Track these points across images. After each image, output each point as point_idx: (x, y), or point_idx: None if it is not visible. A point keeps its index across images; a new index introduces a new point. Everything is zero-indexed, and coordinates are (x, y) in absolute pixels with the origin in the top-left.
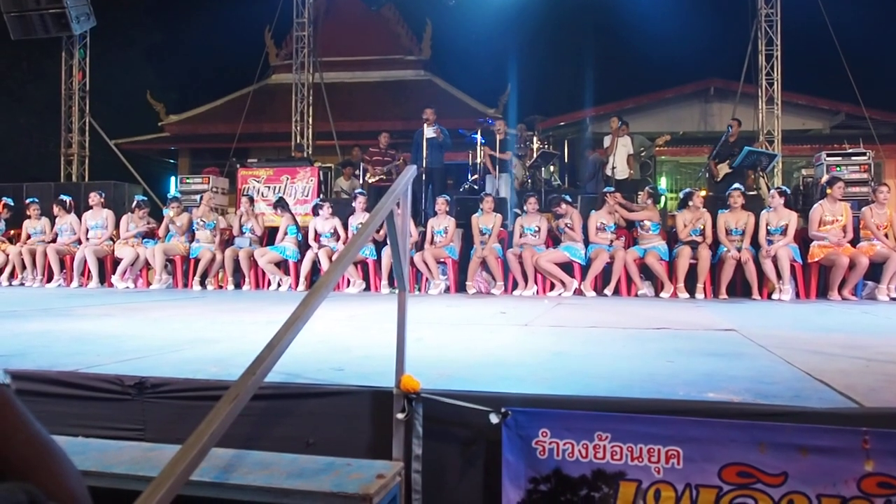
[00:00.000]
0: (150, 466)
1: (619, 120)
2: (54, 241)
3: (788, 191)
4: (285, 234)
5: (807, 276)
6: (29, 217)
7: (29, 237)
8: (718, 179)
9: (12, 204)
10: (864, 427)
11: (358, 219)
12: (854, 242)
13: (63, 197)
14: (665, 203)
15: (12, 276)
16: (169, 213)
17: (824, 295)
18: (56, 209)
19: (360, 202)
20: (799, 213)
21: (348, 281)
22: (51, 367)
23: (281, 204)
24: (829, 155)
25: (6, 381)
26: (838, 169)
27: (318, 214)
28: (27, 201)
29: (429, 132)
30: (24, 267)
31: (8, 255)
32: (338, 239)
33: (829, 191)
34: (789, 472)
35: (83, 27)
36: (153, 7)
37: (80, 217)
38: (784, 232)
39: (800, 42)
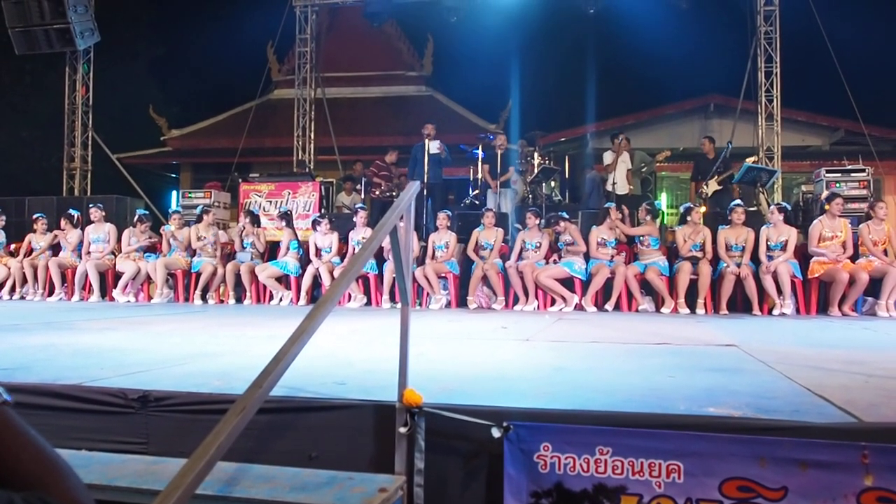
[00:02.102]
0: (154, 480)
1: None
2: (57, 254)
3: (788, 207)
4: (287, 249)
5: (807, 291)
6: (35, 231)
7: (31, 251)
8: (709, 196)
9: None
10: (864, 442)
11: (359, 234)
12: (854, 258)
13: (72, 211)
14: (664, 218)
15: (13, 289)
16: (170, 227)
17: (824, 311)
18: (63, 223)
19: (360, 217)
20: (799, 229)
21: (349, 295)
22: (54, 381)
23: (286, 217)
24: (828, 171)
25: (8, 399)
26: (838, 185)
27: (316, 230)
28: (35, 216)
29: (433, 148)
30: (25, 281)
31: (9, 269)
32: (338, 253)
33: (827, 207)
34: (789, 487)
35: (87, 42)
36: (156, 23)
37: (82, 231)
38: (784, 248)
39: (799, 59)
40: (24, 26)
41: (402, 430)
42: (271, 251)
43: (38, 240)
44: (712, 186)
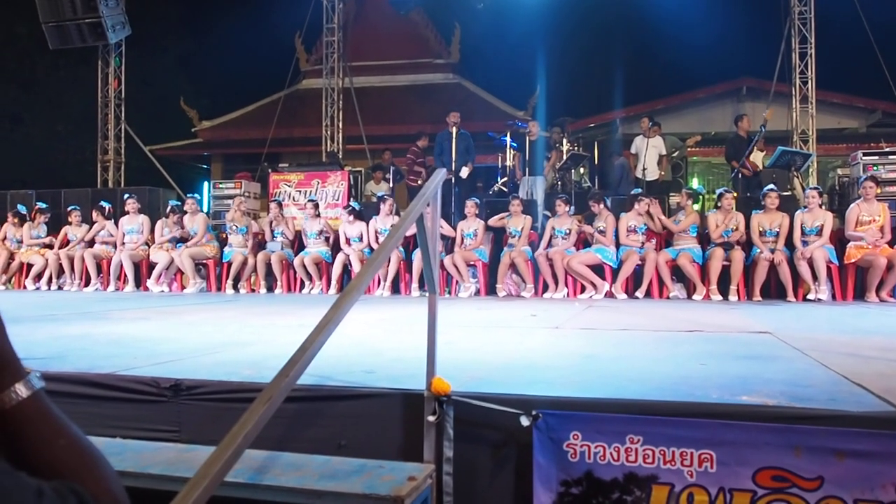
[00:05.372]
0: (186, 467)
1: (650, 120)
2: (92, 245)
3: (822, 191)
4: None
5: (843, 277)
6: (70, 223)
7: (68, 242)
8: (760, 168)
9: (45, 206)
10: None
11: (381, 222)
12: (892, 243)
13: (103, 203)
14: (703, 203)
15: (50, 280)
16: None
17: (861, 297)
18: (95, 215)
19: (386, 205)
20: (834, 214)
21: (379, 283)
22: (89, 370)
23: (313, 203)
24: (865, 154)
25: (42, 385)
26: (875, 168)
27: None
28: (69, 209)
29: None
30: (61, 271)
31: (47, 260)
32: (369, 243)
33: (860, 190)
34: (825, 477)
35: (118, 36)
36: (186, 15)
37: (116, 222)
38: (819, 233)
39: (834, 39)
40: (57, 21)
41: (431, 418)
42: (300, 240)
43: (74, 231)
44: (759, 157)
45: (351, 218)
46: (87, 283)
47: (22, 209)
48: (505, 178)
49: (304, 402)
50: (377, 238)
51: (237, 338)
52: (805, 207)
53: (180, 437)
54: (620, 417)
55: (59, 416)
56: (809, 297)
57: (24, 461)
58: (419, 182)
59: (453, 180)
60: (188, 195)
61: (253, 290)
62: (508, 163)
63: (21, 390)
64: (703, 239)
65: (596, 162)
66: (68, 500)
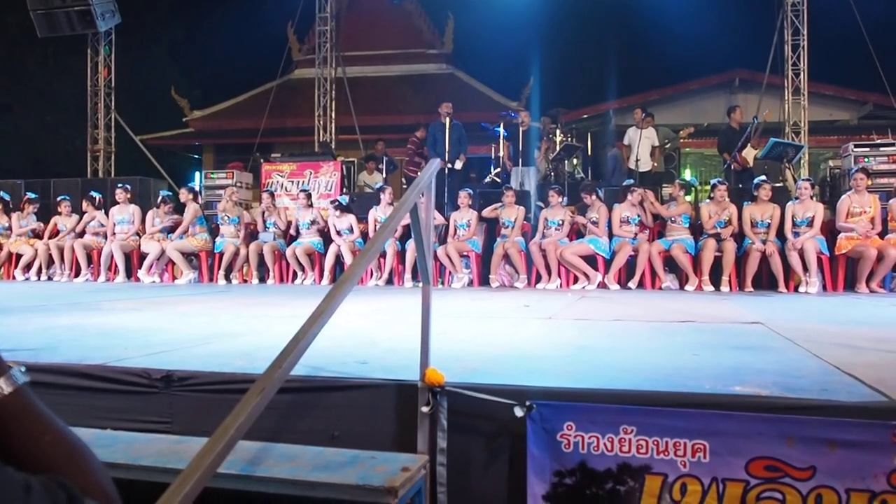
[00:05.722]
0: (178, 459)
1: (643, 111)
2: (82, 235)
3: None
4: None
5: (834, 268)
6: (60, 213)
7: (58, 232)
8: (750, 165)
9: (35, 196)
10: (894, 421)
11: (382, 211)
12: (882, 234)
13: (94, 193)
14: (696, 195)
15: (40, 271)
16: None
17: (852, 287)
18: (85, 204)
19: (386, 194)
20: (826, 205)
21: (371, 273)
22: (79, 361)
23: (305, 193)
24: (856, 146)
25: (25, 380)
26: (866, 160)
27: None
28: (58, 199)
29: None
30: (51, 262)
31: (36, 250)
32: (360, 234)
33: (851, 182)
34: (818, 466)
35: (108, 24)
36: (177, 3)
37: (107, 212)
38: (811, 224)
39: (827, 32)
40: (46, 9)
41: (425, 409)
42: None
43: (64, 221)
44: (751, 153)
45: (338, 213)
46: (77, 274)
47: (6, 196)
48: (498, 169)
49: (298, 393)
50: (376, 228)
51: (229, 328)
52: (797, 199)
53: (172, 429)
54: (614, 408)
55: (44, 411)
56: (800, 288)
57: (11, 457)
58: (419, 173)
59: (446, 171)
60: (185, 185)
61: (245, 281)
62: (502, 153)
63: (3, 386)
64: (696, 230)
65: (589, 153)
66: (57, 495)
